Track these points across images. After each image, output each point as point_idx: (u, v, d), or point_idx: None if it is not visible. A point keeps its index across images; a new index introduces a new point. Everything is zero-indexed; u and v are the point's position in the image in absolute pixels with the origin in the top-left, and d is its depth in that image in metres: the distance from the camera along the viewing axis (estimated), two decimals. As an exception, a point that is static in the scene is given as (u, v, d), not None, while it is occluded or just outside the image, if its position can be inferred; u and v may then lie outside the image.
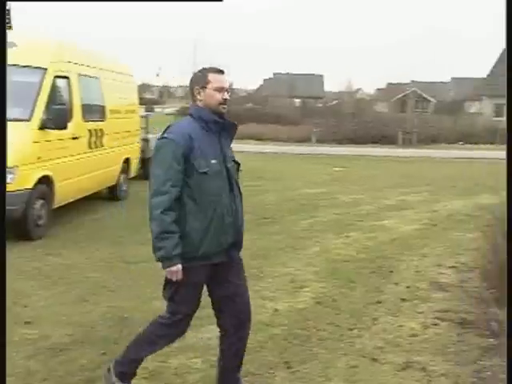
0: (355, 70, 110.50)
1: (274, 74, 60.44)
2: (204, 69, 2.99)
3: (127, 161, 10.37)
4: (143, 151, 11.75)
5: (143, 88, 69.37)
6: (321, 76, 62.15)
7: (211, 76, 2.91)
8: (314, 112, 36.60)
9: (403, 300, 4.93)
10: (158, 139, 2.94)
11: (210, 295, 3.06)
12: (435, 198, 10.98)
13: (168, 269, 2.82)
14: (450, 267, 5.97)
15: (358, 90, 62.07)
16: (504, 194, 6.92)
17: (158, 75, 75.46)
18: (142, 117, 12.91)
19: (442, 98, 51.18)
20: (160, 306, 3.35)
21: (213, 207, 2.85)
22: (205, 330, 3.96)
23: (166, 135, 2.89)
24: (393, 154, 22.05)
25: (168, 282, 2.92)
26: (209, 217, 2.85)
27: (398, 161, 19.71)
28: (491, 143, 25.06)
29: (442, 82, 63.10)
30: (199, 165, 2.82)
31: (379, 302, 4.87)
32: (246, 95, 56.75)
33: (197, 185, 2.83)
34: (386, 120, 30.24)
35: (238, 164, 3.09)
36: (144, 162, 11.52)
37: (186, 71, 41.53)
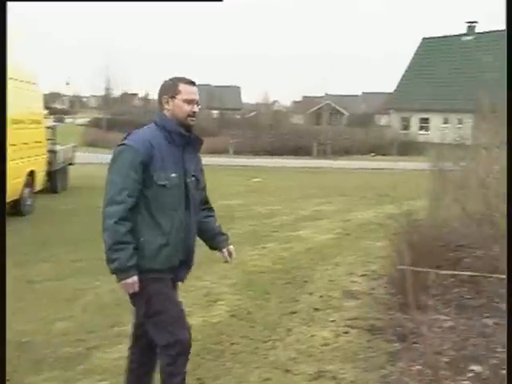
0: (271, 81, 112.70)
1: (193, 86, 60.20)
2: (175, 78, 2.89)
3: (32, 173, 9.87)
4: (50, 163, 11.25)
5: (53, 97, 66.62)
6: (238, 88, 62.84)
7: (182, 86, 2.82)
8: (231, 123, 36.92)
9: (316, 310, 5.01)
10: (117, 145, 2.82)
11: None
12: (348, 207, 11.34)
13: (123, 281, 2.69)
14: (361, 275, 6.15)
15: (275, 102, 63.33)
16: (408, 203, 7.26)
17: (68, 84, 72.57)
18: (48, 127, 12.34)
19: (353, 111, 53.31)
20: (64, 326, 3.17)
21: (170, 221, 2.77)
22: (113, 351, 3.80)
23: (125, 141, 2.78)
24: (308, 165, 22.63)
25: (137, 299, 2.76)
26: (165, 232, 2.76)
27: (314, 172, 20.24)
28: (400, 155, 26.35)
29: (353, 96, 65.79)
30: (158, 177, 2.73)
31: (294, 313, 4.92)
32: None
33: (154, 197, 2.74)
34: (301, 132, 31.07)
35: (198, 180, 2.97)
36: (51, 174, 11.01)
37: (98, 80, 40.23)
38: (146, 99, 53.85)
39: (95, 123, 38.68)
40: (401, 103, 35.30)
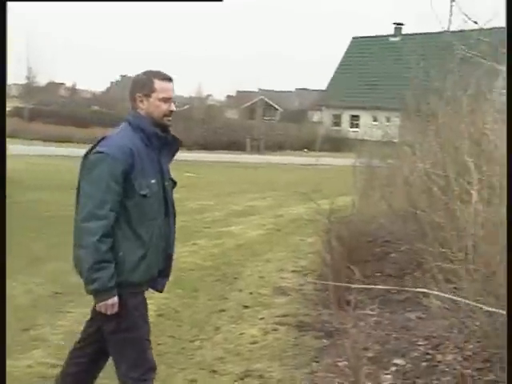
0: (205, 76, 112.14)
1: (122, 77, 58.79)
2: (149, 73, 2.63)
3: None
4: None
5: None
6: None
7: (158, 84, 2.59)
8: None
9: (246, 307, 4.96)
10: (92, 153, 2.53)
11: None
12: (280, 203, 11.41)
13: (103, 302, 2.48)
14: (291, 271, 6.17)
15: (209, 96, 62.94)
16: (338, 199, 7.36)
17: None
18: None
19: (287, 107, 53.89)
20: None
21: (149, 232, 2.57)
22: (26, 357, 3.58)
23: (101, 149, 2.50)
24: (242, 160, 22.62)
25: (104, 313, 2.55)
26: (144, 243, 2.56)
27: (247, 167, 20.26)
28: (332, 151, 26.90)
29: (287, 92, 66.51)
30: (140, 186, 2.51)
31: (222, 311, 4.85)
32: (91, 97, 53.83)
33: (135, 207, 2.52)
34: (235, 127, 31.02)
35: (175, 183, 2.79)
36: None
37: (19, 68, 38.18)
38: (73, 89, 51.85)
39: (16, 113, 36.71)
40: (332, 100, 36.07)
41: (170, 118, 2.66)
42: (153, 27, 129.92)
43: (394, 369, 3.61)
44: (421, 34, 27.65)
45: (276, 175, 17.67)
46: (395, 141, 9.53)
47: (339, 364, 3.73)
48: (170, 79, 2.64)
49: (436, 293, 2.79)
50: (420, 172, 4.14)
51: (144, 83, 2.60)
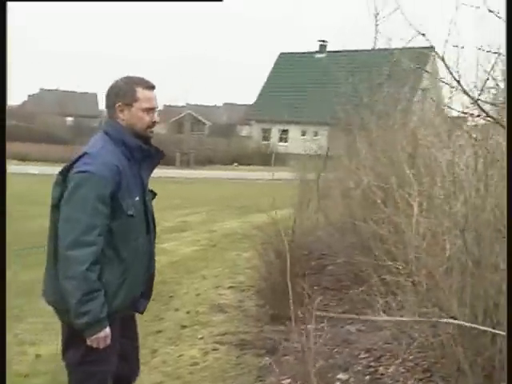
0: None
1: (40, 90, 56.72)
2: (129, 79, 2.40)
3: None
4: None
5: None
6: (94, 94, 60.27)
7: (141, 92, 2.36)
8: (88, 131, 35.30)
9: (183, 327, 4.78)
10: (74, 172, 2.26)
11: None
12: (213, 218, 11.26)
13: (95, 336, 2.24)
14: (228, 288, 6.04)
15: (136, 110, 61.70)
16: (273, 213, 7.32)
17: None
18: None
19: (215, 121, 53.95)
20: None
21: (132, 252, 2.36)
22: None
23: (86, 167, 2.25)
24: (171, 174, 22.25)
25: (71, 343, 2.31)
26: (127, 266, 2.35)
27: (177, 182, 19.95)
28: (262, 165, 27.09)
29: (214, 106, 66.67)
30: (127, 206, 2.30)
31: (159, 332, 4.65)
32: (7, 111, 51.31)
33: (120, 230, 2.30)
34: (163, 141, 30.50)
35: (155, 194, 2.58)
36: None
37: None
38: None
39: None
40: (261, 115, 36.47)
41: (153, 130, 2.46)
42: (78, 28, 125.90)
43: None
44: (343, 50, 28.73)
45: (207, 190, 17.53)
46: (323, 154, 9.71)
47: (284, 382, 3.65)
48: (152, 87, 2.43)
49: (383, 318, 2.77)
50: (359, 184, 4.16)
51: (125, 91, 2.37)
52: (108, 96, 2.42)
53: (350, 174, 4.53)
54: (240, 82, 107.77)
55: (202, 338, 4.50)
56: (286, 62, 38.79)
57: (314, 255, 6.26)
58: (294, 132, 35.13)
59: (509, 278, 2.41)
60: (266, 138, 36.03)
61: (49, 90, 53.82)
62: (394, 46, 10.93)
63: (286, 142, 35.24)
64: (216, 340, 4.45)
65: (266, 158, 28.28)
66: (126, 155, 2.36)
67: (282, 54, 40.39)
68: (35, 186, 15.81)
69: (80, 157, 2.32)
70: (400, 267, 2.92)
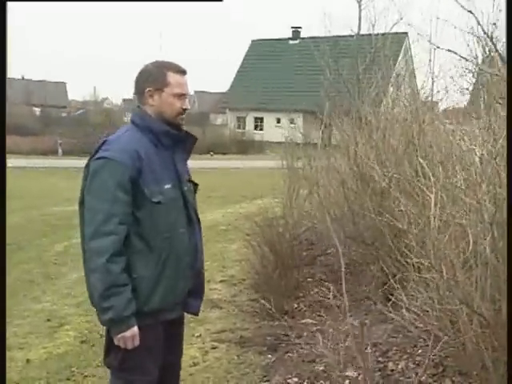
0: (100, 79, 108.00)
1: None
2: (161, 64, 2.28)
3: None
4: None
5: None
6: (63, 83, 58.87)
7: (172, 77, 2.24)
8: (57, 122, 34.50)
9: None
10: (93, 160, 2.18)
11: None
12: (194, 208, 11.03)
13: (120, 335, 2.12)
14: (220, 281, 5.87)
15: (105, 99, 60.73)
16: (261, 201, 7.15)
17: None
18: None
19: (189, 111, 53.34)
20: None
21: (167, 247, 2.21)
22: None
23: (103, 154, 2.16)
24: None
25: (112, 346, 2.20)
26: (162, 260, 2.20)
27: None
28: (238, 153, 26.91)
29: (187, 95, 65.91)
30: (151, 193, 2.17)
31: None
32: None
33: (147, 219, 2.17)
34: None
35: (196, 185, 2.43)
36: None
37: None
38: None
39: None
40: (235, 103, 36.11)
41: (184, 117, 2.35)
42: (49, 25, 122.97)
43: (347, 382, 3.45)
44: (315, 37, 28.65)
45: (184, 180, 17.23)
46: (299, 141, 9.54)
47: (290, 381, 3.52)
48: (184, 72, 2.31)
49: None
50: (359, 173, 4.02)
51: (156, 75, 2.25)
52: (137, 82, 2.31)
53: (349, 162, 4.38)
54: (211, 70, 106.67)
55: (199, 336, 4.33)
56: (258, 50, 38.45)
57: (303, 246, 6.13)
58: (268, 120, 34.94)
59: (509, 278, 2.32)
60: (240, 126, 35.78)
61: (15, 79, 52.32)
62: (376, 32, 10.90)
63: (261, 129, 35.03)
64: (214, 338, 4.29)
65: (241, 147, 28.10)
66: (153, 142, 2.25)
67: (253, 41, 40.00)
68: (8, 180, 15.29)
69: (101, 145, 2.24)
70: (419, 260, 2.80)
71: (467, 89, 7.37)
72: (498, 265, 2.56)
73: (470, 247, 2.56)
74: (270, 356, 3.91)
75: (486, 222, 2.39)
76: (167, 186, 2.23)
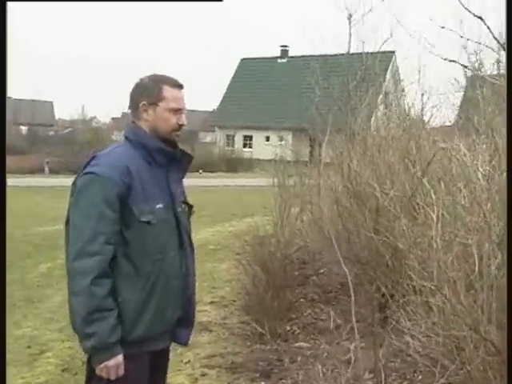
0: (88, 97, 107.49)
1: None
2: (156, 77, 2.19)
3: None
4: None
5: None
6: (50, 102, 58.64)
7: (168, 91, 2.14)
8: (45, 140, 34.32)
9: (166, 350, 4.39)
10: (81, 175, 2.07)
11: None
12: (182, 227, 10.84)
13: (103, 364, 1.95)
14: (209, 303, 5.67)
15: (93, 118, 60.59)
16: (251, 219, 6.99)
17: None
18: None
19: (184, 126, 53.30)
20: None
21: (156, 270, 2.07)
22: None
23: (91, 169, 2.05)
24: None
25: (93, 376, 2.03)
26: (150, 284, 2.05)
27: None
28: (228, 171, 26.79)
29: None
30: (140, 211, 2.04)
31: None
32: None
33: (136, 239, 2.04)
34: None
35: (190, 207, 2.27)
36: None
37: None
38: None
39: None
40: (224, 121, 36.12)
41: (179, 133, 2.21)
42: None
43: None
44: (303, 56, 28.78)
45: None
46: (289, 159, 9.43)
47: (285, 410, 3.33)
48: (181, 86, 2.20)
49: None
50: (354, 191, 3.89)
51: (151, 89, 2.15)
52: (132, 95, 2.21)
53: (342, 179, 4.25)
54: (199, 89, 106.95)
55: (188, 362, 4.13)
56: (248, 68, 38.62)
57: (295, 265, 5.97)
58: (258, 138, 34.95)
59: (509, 278, 2.19)
60: (229, 144, 35.73)
61: (1, 98, 52.06)
62: (366, 50, 10.94)
63: (250, 147, 34.99)
64: (204, 364, 4.09)
65: (231, 165, 27.98)
66: (146, 159, 2.13)
67: (242, 59, 40.20)
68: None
69: (90, 160, 2.12)
70: (420, 282, 2.65)
71: (455, 105, 7.34)
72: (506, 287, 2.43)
73: (476, 268, 2.42)
74: (262, 383, 3.71)
75: (493, 242, 2.24)
76: (159, 206, 2.10)
